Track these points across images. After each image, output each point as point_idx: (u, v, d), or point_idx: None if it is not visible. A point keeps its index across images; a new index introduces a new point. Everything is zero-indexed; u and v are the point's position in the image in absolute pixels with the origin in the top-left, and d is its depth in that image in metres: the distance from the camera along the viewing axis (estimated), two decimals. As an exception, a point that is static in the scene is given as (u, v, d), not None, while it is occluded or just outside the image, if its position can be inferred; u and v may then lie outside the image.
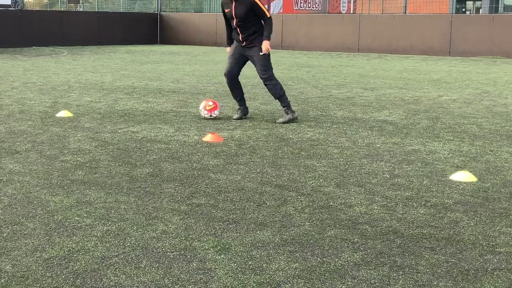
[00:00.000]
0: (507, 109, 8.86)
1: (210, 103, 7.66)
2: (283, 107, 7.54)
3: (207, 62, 17.81)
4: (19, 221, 3.83)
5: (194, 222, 3.84)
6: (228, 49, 7.73)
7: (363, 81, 12.73)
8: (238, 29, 7.41)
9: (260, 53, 7.33)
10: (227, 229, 3.73)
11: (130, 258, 3.28)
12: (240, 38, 7.44)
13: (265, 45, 7.29)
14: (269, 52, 7.39)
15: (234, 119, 7.67)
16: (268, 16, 7.37)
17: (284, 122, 7.41)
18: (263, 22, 7.39)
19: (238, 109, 7.83)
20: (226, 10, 7.45)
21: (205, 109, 7.62)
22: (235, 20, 7.35)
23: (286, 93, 7.69)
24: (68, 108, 8.34)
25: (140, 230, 3.70)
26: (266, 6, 7.58)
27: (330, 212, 4.09)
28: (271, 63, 7.52)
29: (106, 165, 5.28)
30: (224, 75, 7.74)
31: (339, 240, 3.57)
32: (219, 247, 3.43)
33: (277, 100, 7.71)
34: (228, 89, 7.88)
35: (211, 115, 7.61)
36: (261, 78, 7.50)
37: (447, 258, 3.34)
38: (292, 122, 7.42)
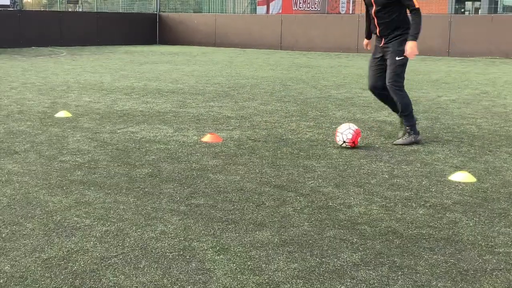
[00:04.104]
0: (506, 110, 8.86)
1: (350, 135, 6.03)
2: (406, 126, 6.27)
3: (206, 62, 17.80)
4: (18, 221, 3.83)
5: (193, 223, 3.84)
6: (366, 42, 6.59)
7: (362, 82, 12.72)
8: (376, 20, 6.10)
9: (396, 58, 6.05)
10: (226, 229, 3.73)
11: (129, 258, 3.28)
12: (377, 32, 6.16)
13: (410, 46, 5.93)
14: (406, 58, 6.07)
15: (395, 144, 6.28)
16: (417, 6, 5.91)
17: (403, 144, 6.19)
18: (410, 15, 6.02)
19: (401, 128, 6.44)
20: None
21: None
22: (374, 7, 6.06)
23: (413, 111, 6.32)
24: (67, 109, 8.34)
25: (139, 230, 3.69)
26: None
27: (329, 212, 4.09)
28: (404, 73, 6.20)
29: (105, 165, 5.28)
30: (369, 89, 6.58)
31: (338, 241, 3.57)
32: (218, 248, 3.43)
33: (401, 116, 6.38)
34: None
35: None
36: (387, 85, 6.20)
37: (446, 258, 3.34)
38: (413, 145, 6.20)
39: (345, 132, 6.01)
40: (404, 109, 6.26)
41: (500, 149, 6.13)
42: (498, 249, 3.49)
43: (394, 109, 6.55)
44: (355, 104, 9.25)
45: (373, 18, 6.18)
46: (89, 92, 10.36)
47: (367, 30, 6.55)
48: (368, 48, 6.78)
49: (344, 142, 6.01)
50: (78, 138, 6.42)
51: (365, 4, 6.29)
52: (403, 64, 6.15)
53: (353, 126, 6.07)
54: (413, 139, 6.25)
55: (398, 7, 6.03)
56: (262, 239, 3.58)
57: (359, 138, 6.08)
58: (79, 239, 3.53)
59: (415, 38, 5.97)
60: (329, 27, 24.32)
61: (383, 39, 6.18)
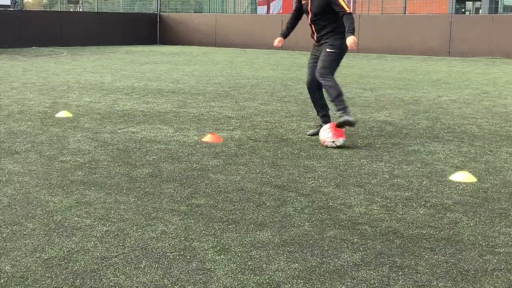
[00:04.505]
0: (507, 110, 8.86)
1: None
2: (338, 111, 6.38)
3: (207, 62, 17.81)
4: (19, 221, 3.83)
5: (193, 223, 3.84)
6: (279, 39, 6.84)
7: (363, 82, 12.73)
8: (313, 27, 6.53)
9: (327, 50, 6.36)
10: (226, 229, 3.73)
11: (129, 258, 3.28)
12: (315, 37, 6.57)
13: (351, 39, 6.09)
14: (337, 54, 6.41)
15: (308, 134, 6.76)
16: (348, 11, 6.25)
17: (341, 124, 6.23)
18: (343, 19, 6.26)
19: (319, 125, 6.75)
20: (303, 1, 6.59)
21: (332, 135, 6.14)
22: (310, 15, 6.48)
23: (343, 95, 6.48)
24: (68, 109, 8.34)
25: (140, 230, 3.70)
26: (346, 1, 6.35)
27: (330, 212, 4.09)
28: (333, 66, 6.47)
29: (105, 165, 5.28)
30: (306, 85, 6.84)
31: (339, 241, 3.57)
32: (218, 248, 3.43)
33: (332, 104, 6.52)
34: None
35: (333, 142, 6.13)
36: (316, 74, 6.44)
37: (446, 258, 3.34)
38: (347, 126, 6.31)
39: (326, 138, 6.13)
40: (330, 94, 6.38)
41: (501, 149, 6.13)
42: (498, 249, 3.49)
43: (316, 107, 6.79)
44: (355, 104, 9.24)
45: (311, 25, 6.54)
46: (90, 92, 10.36)
47: (286, 29, 6.90)
48: (279, 45, 6.90)
49: (333, 142, 6.10)
50: (78, 138, 6.43)
51: (300, 9, 6.70)
52: (335, 58, 6.42)
53: (324, 128, 6.23)
54: (346, 118, 6.19)
55: (332, 14, 6.35)
56: (263, 239, 3.58)
57: (335, 125, 6.16)
58: (79, 239, 3.53)
59: (352, 33, 6.17)
60: (330, 27, 24.27)
61: (320, 41, 6.53)
